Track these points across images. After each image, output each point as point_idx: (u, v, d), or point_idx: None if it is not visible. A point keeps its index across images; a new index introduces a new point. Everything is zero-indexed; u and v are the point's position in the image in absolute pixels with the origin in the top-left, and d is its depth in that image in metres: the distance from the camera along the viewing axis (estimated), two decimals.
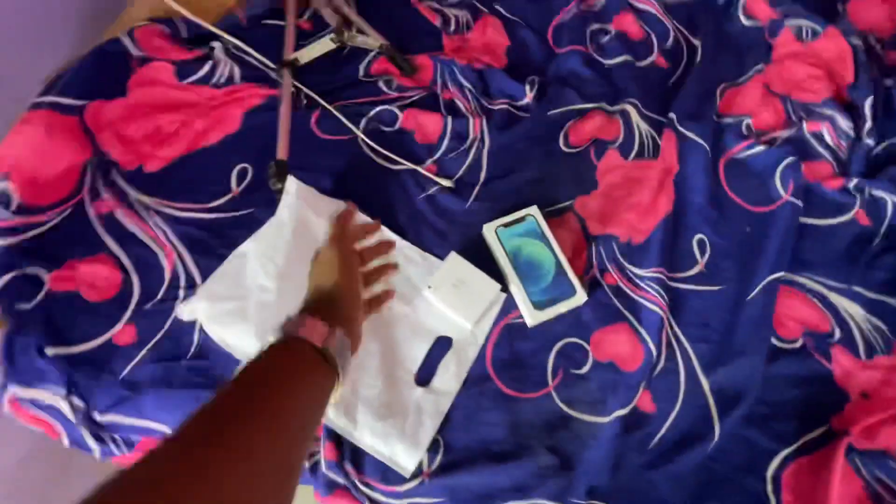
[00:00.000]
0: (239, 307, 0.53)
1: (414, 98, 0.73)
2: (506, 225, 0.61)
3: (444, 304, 0.57)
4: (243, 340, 0.53)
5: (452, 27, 0.82)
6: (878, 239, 0.65)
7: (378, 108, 0.71)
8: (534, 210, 0.63)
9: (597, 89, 0.75)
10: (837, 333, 0.60)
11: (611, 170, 0.70)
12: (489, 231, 0.61)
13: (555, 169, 0.69)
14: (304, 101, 0.71)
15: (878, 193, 0.66)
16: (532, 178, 0.68)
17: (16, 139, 0.52)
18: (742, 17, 0.82)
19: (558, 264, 0.59)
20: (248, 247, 0.56)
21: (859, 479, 0.52)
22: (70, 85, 0.57)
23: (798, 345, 0.59)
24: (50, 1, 0.65)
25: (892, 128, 0.72)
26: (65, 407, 0.52)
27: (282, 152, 0.61)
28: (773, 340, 0.59)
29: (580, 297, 0.58)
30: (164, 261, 0.58)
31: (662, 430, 0.55)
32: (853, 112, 0.72)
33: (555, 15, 0.83)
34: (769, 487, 0.52)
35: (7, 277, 0.51)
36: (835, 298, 0.62)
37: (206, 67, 0.66)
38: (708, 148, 0.69)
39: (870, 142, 0.69)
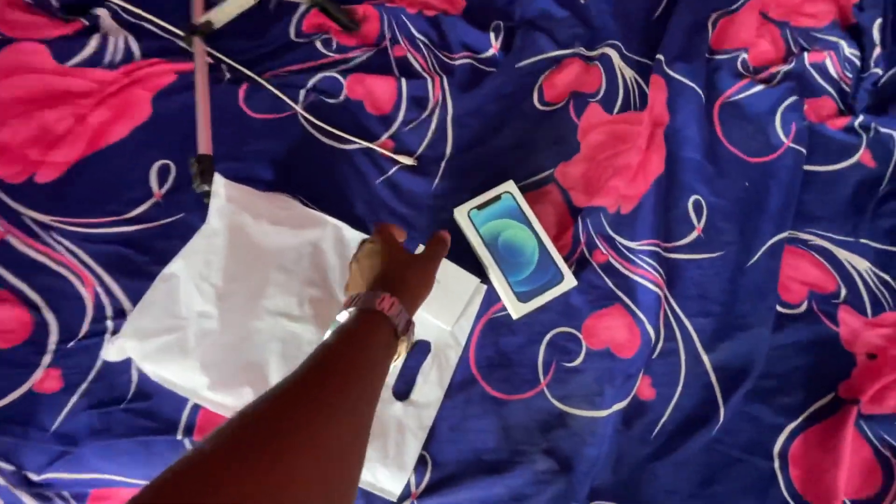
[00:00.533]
0: (176, 340, 0.45)
1: (359, 59, 0.62)
2: (479, 206, 0.54)
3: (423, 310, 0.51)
4: (188, 378, 0.45)
5: None
6: (885, 182, 0.60)
7: (318, 77, 0.59)
8: (510, 186, 0.55)
9: (572, 31, 0.65)
10: (843, 292, 0.55)
11: (593, 127, 0.61)
12: (461, 215, 0.54)
13: (530, 133, 0.60)
14: (227, 75, 0.59)
15: (886, 130, 0.60)
16: (505, 146, 0.59)
17: None
18: None
19: (542, 247, 0.53)
20: (178, 266, 0.47)
21: (867, 444, 0.50)
22: None
23: (803, 308, 0.55)
24: None
25: None
26: None
27: (203, 145, 0.51)
28: (778, 307, 0.54)
29: (569, 282, 0.52)
30: (82, 289, 0.49)
31: (664, 417, 0.51)
32: (859, 37, 0.64)
33: None
34: (776, 464, 0.49)
35: None
36: (840, 254, 0.57)
37: (93, 43, 0.53)
38: (701, 92, 0.61)
39: (878, 70, 0.62)
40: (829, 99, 0.63)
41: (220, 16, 0.58)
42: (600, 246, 0.55)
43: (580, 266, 0.55)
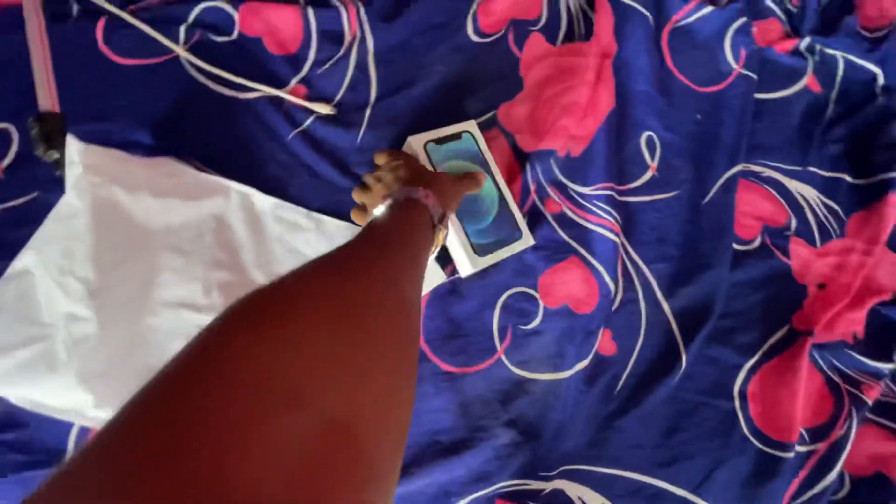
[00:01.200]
0: (41, 353, 0.35)
1: None
2: (437, 140, 0.46)
3: None
4: (65, 397, 0.36)
5: None
6: (831, 106, 0.58)
7: (200, 7, 0.47)
8: (471, 126, 0.49)
9: None
10: (794, 224, 0.54)
11: (537, 60, 0.54)
12: (417, 145, 0.45)
13: (466, 69, 0.52)
14: (75, 7, 0.46)
15: (830, 51, 0.57)
16: (438, 85, 0.51)
17: None
18: None
19: (502, 200, 0.47)
20: (29, 260, 0.36)
21: (819, 373, 0.50)
22: None
23: (757, 244, 0.53)
24: None
25: None
26: None
27: (45, 100, 0.39)
28: (735, 243, 0.52)
29: (526, 240, 0.47)
30: None
31: (627, 371, 0.48)
32: None
33: None
34: (737, 404, 0.49)
35: None
36: (791, 184, 0.55)
37: None
38: (650, 16, 0.55)
39: None
40: (777, 20, 0.59)
41: None
42: (552, 194, 0.50)
43: (532, 218, 0.49)
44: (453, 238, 0.44)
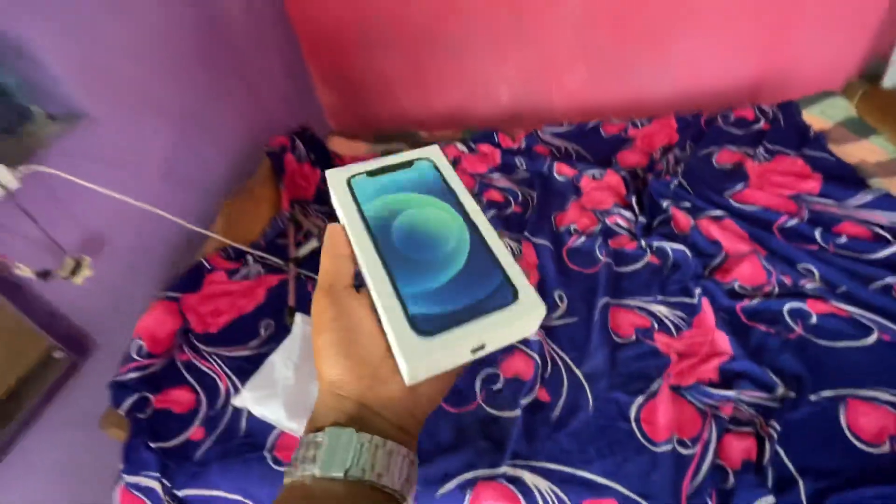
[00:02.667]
0: (272, 391, 0.84)
1: None
2: (373, 172, 0.29)
3: None
4: (277, 412, 0.82)
5: None
6: (667, 269, 1.04)
7: None
8: (432, 152, 0.30)
9: None
10: (656, 325, 0.92)
11: None
12: (336, 181, 0.28)
13: None
14: (304, 279, 1.14)
15: (655, 243, 1.07)
16: None
17: (147, 317, 0.91)
18: (557, 176, 1.37)
19: (477, 240, 0.26)
20: (275, 357, 0.90)
21: (689, 404, 0.78)
22: (175, 286, 0.99)
23: (633, 338, 0.91)
24: (155, 248, 1.14)
25: (655, 211, 1.18)
26: (157, 486, 0.77)
27: (291, 302, 1.01)
28: (616, 339, 0.90)
29: (529, 303, 0.24)
30: (220, 384, 0.91)
31: (557, 409, 0.81)
32: (630, 207, 1.19)
33: None
34: (633, 424, 0.77)
35: (135, 396, 0.83)
36: (649, 307, 0.96)
37: (244, 270, 1.11)
38: (551, 246, 1.12)
39: (643, 219, 1.14)
40: (625, 236, 1.13)
41: (302, 252, 1.18)
42: None
43: None
44: (380, 308, 0.24)
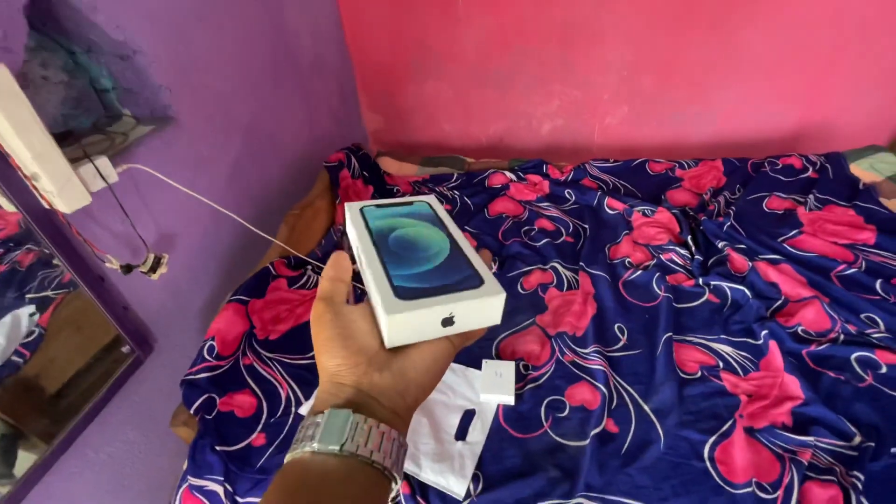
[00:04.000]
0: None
1: None
2: (379, 206, 0.38)
3: (492, 396, 0.86)
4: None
5: None
6: (727, 308, 1.04)
7: None
8: (429, 199, 0.39)
9: (533, 258, 1.23)
10: (721, 364, 0.91)
11: (553, 298, 1.11)
12: (352, 210, 0.37)
13: (519, 304, 1.10)
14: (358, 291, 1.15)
15: (713, 282, 1.08)
16: (505, 311, 1.08)
17: (220, 318, 0.92)
18: (607, 209, 1.39)
19: (455, 249, 0.33)
20: None
21: (766, 448, 0.76)
22: (244, 290, 1.00)
23: (699, 375, 0.90)
24: (219, 250, 1.15)
25: (711, 251, 1.19)
26: (220, 490, 0.76)
27: None
28: (682, 374, 0.90)
29: (492, 287, 0.30)
30: (281, 391, 0.90)
31: (626, 442, 0.80)
32: (687, 246, 1.20)
33: (500, 227, 1.39)
34: (708, 464, 0.75)
35: (204, 397, 0.83)
36: (713, 345, 0.95)
37: (304, 279, 1.12)
38: (607, 277, 1.13)
39: (699, 258, 1.15)
40: (681, 273, 1.14)
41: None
42: (567, 352, 0.96)
43: (557, 365, 0.94)
44: (372, 286, 0.30)
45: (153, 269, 0.87)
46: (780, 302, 1.02)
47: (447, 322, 0.29)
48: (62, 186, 0.70)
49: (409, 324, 0.28)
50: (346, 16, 1.82)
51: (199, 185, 1.10)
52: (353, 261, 0.34)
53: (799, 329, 0.95)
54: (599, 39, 1.73)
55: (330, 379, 0.28)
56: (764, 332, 0.93)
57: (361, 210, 0.37)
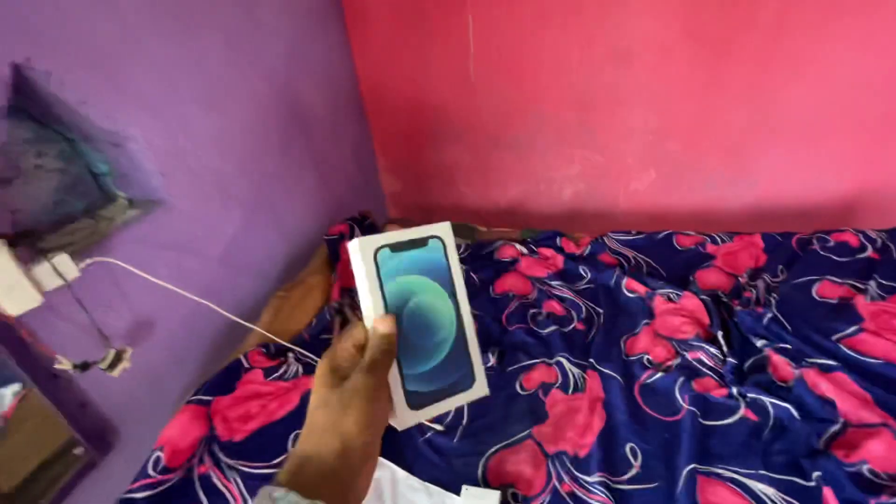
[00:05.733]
0: None
1: None
2: (396, 246, 0.36)
3: None
4: None
5: None
6: (767, 430, 0.85)
7: None
8: (444, 229, 0.38)
9: (538, 350, 1.10)
10: None
11: (556, 403, 0.97)
12: (364, 250, 0.35)
13: (515, 408, 0.96)
14: None
15: (752, 395, 0.90)
16: (499, 417, 0.94)
17: (173, 424, 0.85)
18: (626, 292, 1.25)
19: (460, 332, 0.37)
20: None
21: None
22: (208, 387, 0.94)
23: None
24: (200, 336, 1.11)
25: (748, 350, 1.02)
26: None
27: None
28: None
29: (479, 388, 0.38)
30: None
31: None
32: (717, 343, 1.03)
33: (505, 308, 1.27)
34: None
35: None
36: (748, 482, 0.77)
37: (283, 369, 1.05)
38: (621, 379, 0.98)
39: (733, 360, 0.98)
40: (711, 378, 0.96)
41: None
42: (566, 480, 0.81)
43: (554, 496, 0.79)
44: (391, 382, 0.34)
45: (112, 366, 0.82)
46: (837, 427, 0.83)
47: (440, 414, 0.37)
48: (10, 288, 0.67)
49: (412, 423, 0.35)
50: (365, 85, 1.85)
51: (186, 267, 1.08)
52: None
53: (864, 469, 0.76)
54: (620, 105, 1.65)
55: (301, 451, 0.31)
56: (816, 474, 0.74)
57: (375, 254, 0.35)
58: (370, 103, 1.90)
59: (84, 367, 0.79)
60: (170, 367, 1.04)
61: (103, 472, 0.89)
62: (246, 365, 1.01)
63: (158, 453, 0.81)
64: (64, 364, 0.75)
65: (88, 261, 0.79)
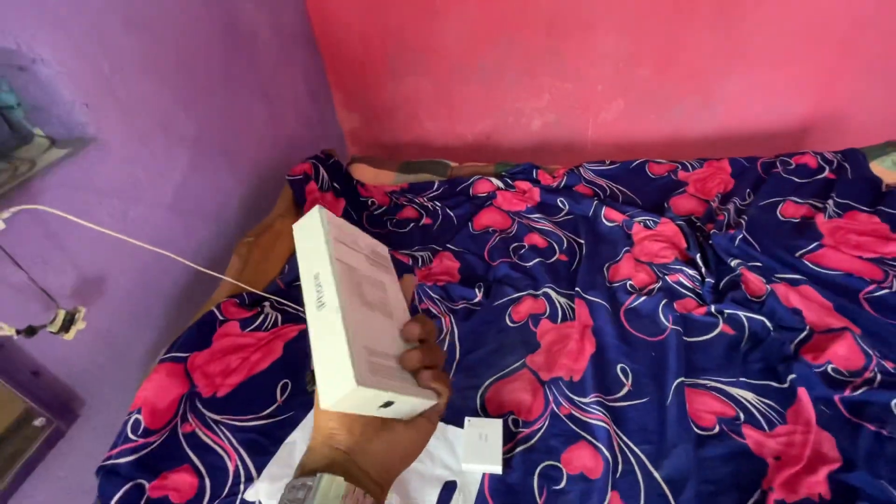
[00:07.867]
0: None
1: None
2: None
3: (476, 465, 0.74)
4: None
5: (420, 263, 1.21)
6: (744, 342, 0.90)
7: None
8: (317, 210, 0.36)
9: (523, 283, 1.09)
10: (742, 416, 0.79)
11: (546, 332, 0.97)
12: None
13: (507, 340, 0.96)
14: None
15: (727, 311, 0.95)
16: (491, 349, 0.94)
17: (148, 384, 0.77)
18: (605, 221, 1.25)
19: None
20: (296, 435, 0.76)
21: None
22: (183, 344, 0.86)
23: (716, 430, 0.77)
24: (162, 291, 1.01)
25: (723, 270, 1.06)
26: None
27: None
28: (697, 430, 0.77)
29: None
30: (228, 464, 0.77)
31: None
32: (695, 265, 1.07)
33: (486, 243, 1.24)
34: None
35: (127, 487, 0.69)
36: (730, 390, 0.83)
37: (260, 319, 0.98)
38: (608, 305, 0.99)
39: (710, 280, 1.02)
40: (691, 299, 1.00)
41: None
42: (563, 403, 0.83)
43: (552, 418, 0.81)
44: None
45: (65, 328, 0.72)
46: (805, 333, 0.89)
47: (386, 405, 0.30)
48: None
49: (363, 397, 0.27)
50: (313, 8, 1.64)
51: (134, 215, 0.95)
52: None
53: (829, 368, 0.83)
54: (591, 29, 1.57)
55: (325, 441, 0.30)
56: (791, 377, 0.81)
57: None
58: (319, 26, 1.70)
59: (30, 331, 0.68)
60: (130, 326, 0.94)
61: (72, 443, 0.82)
62: (220, 317, 0.93)
63: (137, 416, 0.74)
64: (5, 330, 0.65)
65: (14, 209, 0.66)
